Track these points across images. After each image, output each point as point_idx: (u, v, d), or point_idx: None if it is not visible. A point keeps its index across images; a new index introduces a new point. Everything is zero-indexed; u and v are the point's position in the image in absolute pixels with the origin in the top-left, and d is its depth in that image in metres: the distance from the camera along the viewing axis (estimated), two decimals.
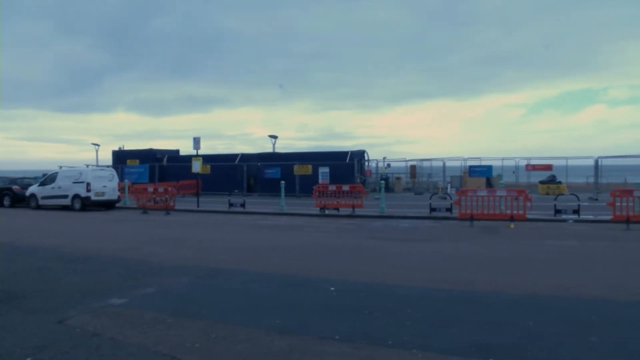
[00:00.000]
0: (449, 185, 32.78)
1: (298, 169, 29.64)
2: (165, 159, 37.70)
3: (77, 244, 12.78)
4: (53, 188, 24.99)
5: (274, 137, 36.88)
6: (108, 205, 24.93)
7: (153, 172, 35.65)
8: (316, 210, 20.63)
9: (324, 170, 29.44)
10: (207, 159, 30.16)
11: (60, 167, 29.67)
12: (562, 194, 23.49)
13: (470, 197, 17.41)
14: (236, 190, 27.36)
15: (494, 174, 31.70)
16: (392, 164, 39.14)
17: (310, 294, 7.43)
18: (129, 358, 4.85)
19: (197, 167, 24.36)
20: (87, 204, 23.90)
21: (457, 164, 35.53)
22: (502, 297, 7.08)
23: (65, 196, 24.44)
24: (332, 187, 21.08)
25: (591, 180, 30.74)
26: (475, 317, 6.08)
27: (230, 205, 22.77)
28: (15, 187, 27.77)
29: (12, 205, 27.00)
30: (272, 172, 31.55)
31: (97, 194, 24.09)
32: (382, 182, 23.49)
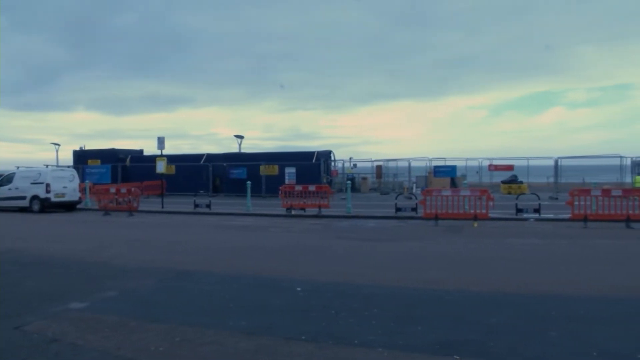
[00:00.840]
0: (414, 185, 33.18)
1: (264, 169, 29.50)
2: (128, 159, 36.95)
3: (35, 247, 12.40)
4: (10, 189, 24.17)
5: (240, 137, 36.61)
6: (68, 207, 24.26)
7: (116, 173, 34.91)
8: (283, 211, 20.57)
9: (290, 171, 29.38)
10: (172, 159, 29.71)
11: (18, 168, 28.75)
12: (524, 194, 24.05)
13: (435, 196, 17.65)
14: (202, 191, 27.03)
15: (458, 174, 32.23)
16: (359, 164, 39.40)
17: (277, 294, 7.40)
18: None
19: (161, 167, 23.96)
20: (46, 206, 23.21)
21: (423, 164, 36.01)
22: (466, 295, 7.21)
23: (23, 197, 23.68)
24: (299, 188, 21.06)
25: (551, 180, 31.62)
26: (440, 315, 6.17)
27: (196, 206, 22.48)
28: None
29: None
30: (238, 173, 31.29)
31: (57, 195, 23.43)
32: (349, 182, 23.60)
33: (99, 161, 36.89)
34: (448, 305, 6.69)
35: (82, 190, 25.89)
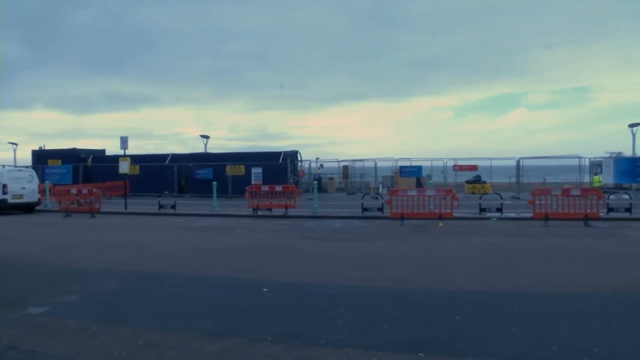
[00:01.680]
0: (380, 185, 33.46)
1: (230, 170, 29.26)
2: (90, 159, 36.07)
3: None
4: None
5: (206, 137, 36.24)
6: (27, 209, 23.49)
7: (77, 173, 34.05)
8: (249, 211, 20.43)
9: (256, 171, 29.22)
10: (136, 159, 29.16)
11: None
12: (487, 193, 24.60)
13: (400, 196, 17.84)
14: (166, 192, 26.62)
15: (424, 174, 32.63)
16: (325, 165, 39.49)
17: (243, 295, 7.34)
18: None
19: (124, 167, 23.47)
20: (3, 207, 22.40)
21: (389, 164, 36.34)
22: (432, 294, 7.30)
23: None
24: (265, 188, 20.97)
25: (513, 180, 32.35)
26: (406, 314, 6.24)
27: (161, 206, 22.11)
28: None
29: None
30: (204, 173, 30.94)
31: (14, 197, 22.66)
32: (315, 182, 23.62)
33: (59, 161, 35.88)
34: (414, 304, 6.76)
35: (42, 191, 25.14)
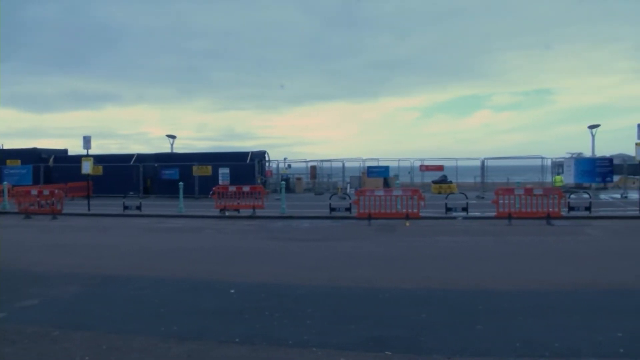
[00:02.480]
0: (348, 186, 33.58)
1: (197, 170, 28.90)
2: (51, 160, 35.07)
3: None
4: None
5: (172, 136, 35.71)
6: None
7: (38, 174, 33.04)
8: (216, 212, 20.23)
9: (224, 171, 28.86)
10: (100, 159, 28.49)
11: None
12: (453, 193, 24.99)
13: (368, 196, 17.95)
14: (131, 192, 26.10)
15: (391, 174, 32.89)
16: (293, 165, 39.40)
17: (210, 297, 7.27)
18: None
19: (87, 167, 22.92)
20: None
21: (356, 164, 36.48)
22: (398, 293, 7.37)
23: None
24: (233, 188, 20.79)
25: (478, 179, 32.96)
26: (373, 313, 6.27)
27: (125, 208, 21.68)
28: None
29: None
30: (170, 173, 30.47)
31: None
32: (283, 182, 23.56)
33: (19, 161, 34.73)
34: (380, 303, 6.81)
35: (0, 192, 24.34)
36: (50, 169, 34.14)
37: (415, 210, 17.66)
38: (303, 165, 39.75)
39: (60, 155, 36.82)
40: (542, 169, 32.35)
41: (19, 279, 8.66)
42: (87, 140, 23.94)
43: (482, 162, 31.86)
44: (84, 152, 25.16)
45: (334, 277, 8.51)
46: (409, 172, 35.47)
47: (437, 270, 9.22)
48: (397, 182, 25.73)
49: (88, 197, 23.59)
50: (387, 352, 4.83)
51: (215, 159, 30.93)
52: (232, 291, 7.47)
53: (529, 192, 17.66)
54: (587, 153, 32.58)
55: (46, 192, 22.41)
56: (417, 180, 35.34)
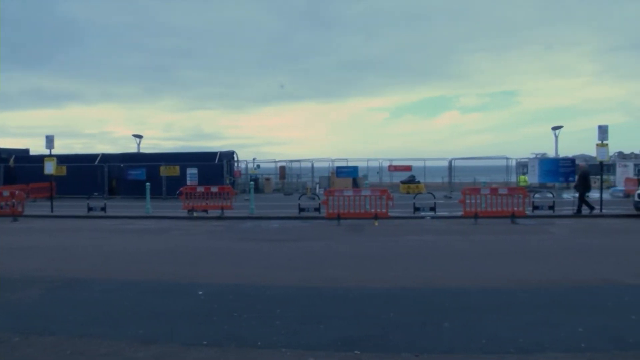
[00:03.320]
0: (317, 186, 33.63)
1: (165, 170, 28.52)
2: (12, 160, 34.02)
3: None
4: None
5: (139, 136, 35.14)
6: None
7: None
8: (184, 213, 19.98)
9: (192, 172, 28.56)
10: (63, 159, 27.79)
11: None
12: (421, 193, 25.28)
13: (337, 197, 18.01)
14: (96, 193, 25.55)
15: (360, 174, 33.08)
16: (262, 165, 39.22)
17: (177, 299, 7.16)
18: None
19: (50, 168, 22.33)
20: None
21: (325, 164, 36.56)
22: (367, 292, 7.41)
23: None
24: (201, 189, 20.57)
25: (446, 179, 33.46)
26: (342, 312, 6.29)
27: (90, 209, 21.21)
28: None
29: None
30: (136, 174, 29.95)
31: None
32: (252, 183, 23.43)
33: None
34: (349, 303, 6.84)
35: None
36: (11, 169, 33.11)
37: (383, 210, 17.81)
38: (272, 165, 39.62)
39: (22, 155, 35.77)
40: (507, 169, 33.07)
41: None
42: (50, 140, 23.18)
43: (450, 163, 32.37)
44: (47, 151, 24.41)
45: (304, 278, 8.51)
46: (377, 172, 35.73)
47: (406, 269, 9.32)
48: (366, 182, 25.90)
49: (51, 198, 22.99)
50: (356, 352, 4.85)
51: (183, 159, 30.57)
52: (200, 293, 7.39)
53: (494, 191, 18.02)
54: (551, 153, 33.44)
55: (6, 193, 21.72)
56: (386, 180, 35.62)
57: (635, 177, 26.83)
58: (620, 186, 28.39)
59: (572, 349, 4.86)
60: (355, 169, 33.28)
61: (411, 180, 33.53)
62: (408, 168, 34.47)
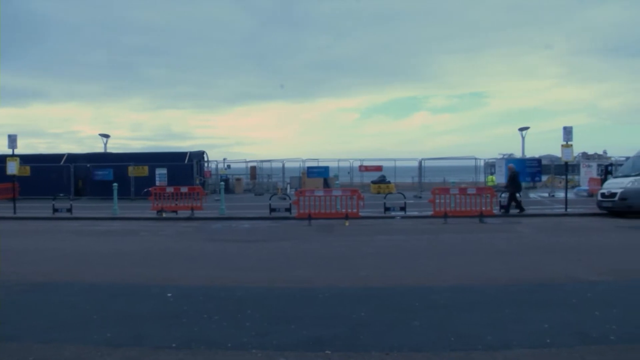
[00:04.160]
0: (288, 186, 33.60)
1: (133, 171, 28.07)
2: None
3: None
4: None
5: (106, 136, 34.49)
6: None
7: None
8: (153, 214, 19.69)
9: (161, 172, 28.18)
10: (26, 159, 27.08)
11: None
12: (391, 193, 25.45)
13: (308, 197, 18.01)
14: (62, 194, 24.94)
15: (331, 174, 33.16)
16: (232, 165, 38.97)
17: (146, 302, 7.05)
18: None
19: (13, 168, 21.71)
20: None
21: (296, 165, 36.55)
22: (337, 291, 7.43)
23: None
24: (170, 189, 20.32)
25: (416, 179, 33.81)
26: (313, 313, 6.29)
27: (55, 210, 20.70)
28: None
29: None
30: (103, 174, 29.39)
31: None
32: (222, 183, 23.26)
33: None
34: (320, 303, 6.84)
35: None
36: None
37: (354, 210, 17.89)
38: (243, 165, 39.41)
39: None
40: (476, 169, 33.63)
41: None
42: (12, 139, 22.54)
43: (420, 163, 32.74)
44: (9, 151, 23.74)
45: (274, 278, 8.48)
46: (348, 173, 35.88)
47: (376, 268, 9.37)
48: (337, 182, 25.97)
49: (14, 200, 22.35)
50: (326, 351, 4.86)
51: (152, 159, 30.15)
52: (169, 295, 7.28)
53: (463, 191, 18.29)
54: (518, 154, 34.10)
55: None
56: (357, 180, 35.80)
57: (599, 177, 27.61)
58: (585, 186, 29.19)
59: (538, 344, 4.96)
60: (326, 169, 33.34)
61: (382, 180, 33.79)
62: (379, 168, 34.73)
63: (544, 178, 33.93)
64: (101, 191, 27.85)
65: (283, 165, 35.86)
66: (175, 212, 19.77)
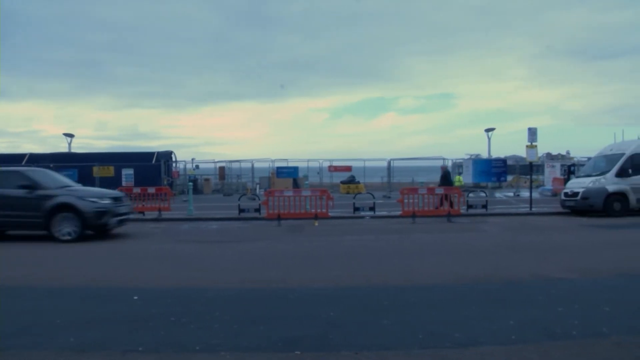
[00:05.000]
0: (257, 186, 33.43)
1: (98, 171, 27.46)
2: None
3: None
4: None
5: (70, 135, 33.73)
6: None
7: None
8: None
9: (127, 172, 27.73)
10: None
11: None
12: (361, 193, 25.61)
13: (277, 197, 17.95)
14: None
15: (300, 174, 33.16)
16: (201, 165, 38.60)
17: (111, 305, 6.89)
18: None
19: None
20: None
21: (266, 165, 36.44)
22: (308, 292, 7.41)
23: None
24: (137, 190, 19.97)
25: (385, 179, 34.09)
26: (283, 313, 6.26)
27: None
28: None
29: None
30: (67, 175, 28.60)
31: None
32: (191, 183, 22.99)
33: None
34: (290, 303, 6.82)
35: None
36: None
37: (324, 210, 17.91)
38: (211, 165, 39.08)
39: None
40: None
41: None
42: None
43: (389, 163, 33.02)
44: None
45: (244, 279, 8.41)
46: (318, 173, 35.94)
47: (346, 268, 9.39)
48: (306, 182, 25.96)
49: None
50: (297, 352, 4.83)
51: (119, 159, 29.64)
52: (136, 298, 7.14)
53: (431, 191, 18.52)
54: (484, 154, 34.75)
55: None
56: (326, 180, 35.89)
57: (562, 177, 28.35)
58: (549, 185, 29.93)
59: (505, 341, 5.05)
60: (295, 169, 33.33)
61: (351, 180, 33.96)
62: (348, 168, 34.89)
63: (510, 178, 34.66)
64: None
65: (252, 165, 35.67)
66: (142, 213, 19.42)
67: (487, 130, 33.03)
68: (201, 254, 11.65)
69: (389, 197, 26.11)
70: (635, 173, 18.19)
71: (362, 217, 18.63)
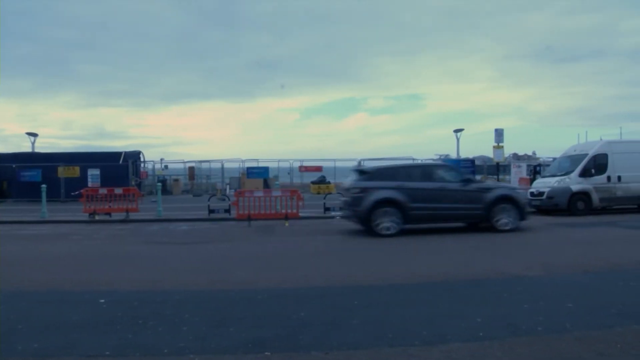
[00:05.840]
0: (227, 187, 33.18)
1: (63, 171, 26.87)
2: None
3: None
4: None
5: (34, 135, 32.84)
6: None
7: None
8: (85, 216, 18.90)
9: (94, 172, 27.14)
10: None
11: None
12: (331, 193, 25.68)
13: (247, 197, 17.86)
14: None
15: (271, 175, 33.08)
16: (170, 166, 38.17)
17: (76, 309, 6.73)
18: None
19: None
20: None
21: (236, 165, 36.22)
22: (278, 292, 7.39)
23: None
24: (103, 191, 19.58)
25: None
26: (252, 314, 6.23)
27: None
28: None
29: None
30: (31, 175, 27.96)
31: None
32: (159, 184, 22.68)
33: None
34: (261, 304, 6.79)
35: None
36: None
37: (294, 211, 17.90)
38: (181, 166, 38.68)
39: None
40: None
41: None
42: None
43: (359, 163, 33.12)
44: None
45: (213, 280, 8.34)
46: (288, 173, 35.93)
47: (316, 268, 9.41)
48: (277, 182, 25.93)
49: None
50: (266, 353, 4.81)
51: (84, 159, 29.03)
52: (102, 301, 7.00)
53: None
54: (453, 155, 35.23)
55: None
56: (297, 180, 35.88)
57: (528, 177, 28.96)
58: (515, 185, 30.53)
59: (472, 338, 5.13)
60: (266, 169, 33.22)
61: (322, 180, 34.02)
62: (319, 169, 34.96)
63: (478, 178, 35.20)
64: (28, 193, 26.48)
65: (222, 165, 35.41)
66: (109, 214, 19.05)
67: (456, 131, 33.51)
68: (169, 255, 11.51)
69: None
70: (598, 173, 18.72)
71: (333, 217, 18.68)
